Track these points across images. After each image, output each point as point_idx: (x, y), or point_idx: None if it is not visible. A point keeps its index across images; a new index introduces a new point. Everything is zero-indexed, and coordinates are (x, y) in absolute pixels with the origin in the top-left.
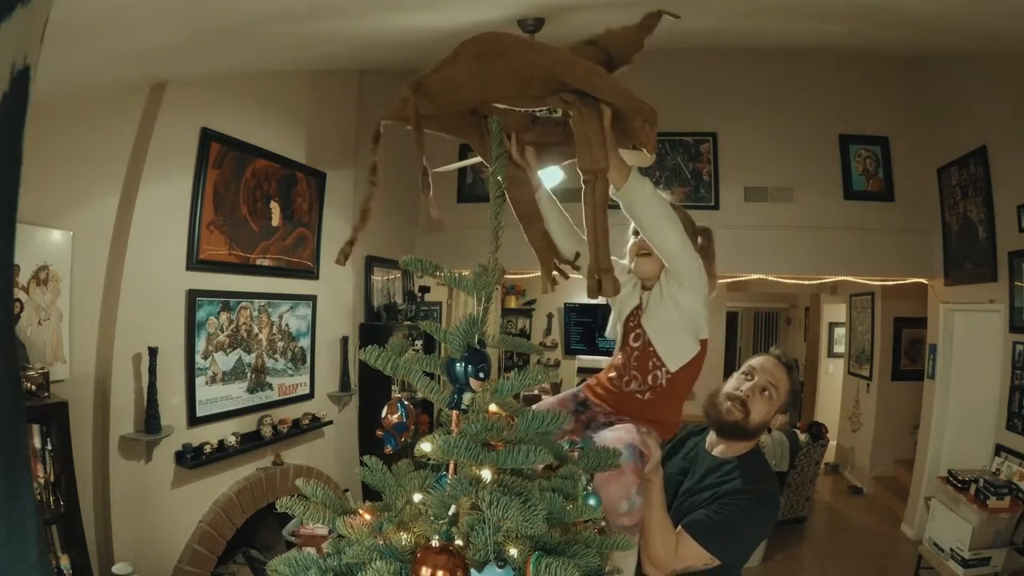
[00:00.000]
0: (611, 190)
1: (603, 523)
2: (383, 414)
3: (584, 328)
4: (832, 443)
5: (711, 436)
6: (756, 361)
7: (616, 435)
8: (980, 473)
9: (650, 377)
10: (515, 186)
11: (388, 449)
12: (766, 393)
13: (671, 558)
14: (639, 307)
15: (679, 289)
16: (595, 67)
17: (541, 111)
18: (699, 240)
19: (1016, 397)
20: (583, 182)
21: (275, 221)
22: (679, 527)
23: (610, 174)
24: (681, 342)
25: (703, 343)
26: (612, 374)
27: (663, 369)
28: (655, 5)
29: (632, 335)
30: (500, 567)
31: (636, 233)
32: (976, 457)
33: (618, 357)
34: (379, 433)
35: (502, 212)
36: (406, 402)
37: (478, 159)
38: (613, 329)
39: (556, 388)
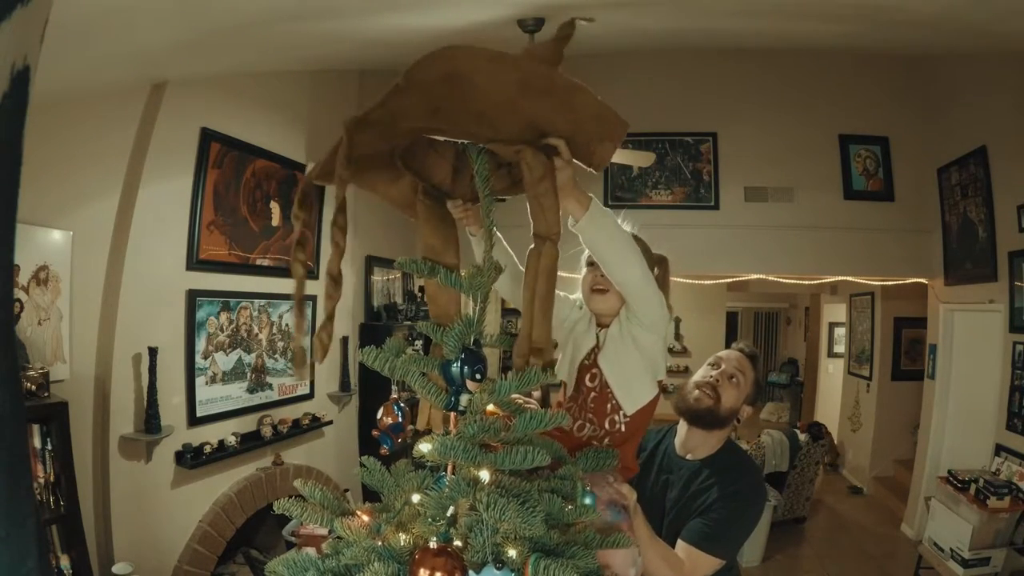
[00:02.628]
0: (569, 221)
1: None
2: (379, 415)
3: None
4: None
5: (680, 437)
6: (723, 353)
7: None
8: (980, 473)
9: (607, 422)
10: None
11: (384, 450)
12: (734, 380)
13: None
14: (596, 346)
15: (640, 328)
16: (575, 83)
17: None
18: (655, 270)
19: (1016, 397)
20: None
21: (275, 221)
22: (682, 542)
23: (568, 204)
24: (641, 384)
25: (659, 383)
26: None
27: (621, 412)
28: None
29: (588, 375)
30: (498, 568)
31: (590, 263)
32: (976, 457)
33: (562, 400)
34: (375, 434)
35: (494, 211)
36: (402, 404)
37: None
38: (563, 369)
39: (546, 393)
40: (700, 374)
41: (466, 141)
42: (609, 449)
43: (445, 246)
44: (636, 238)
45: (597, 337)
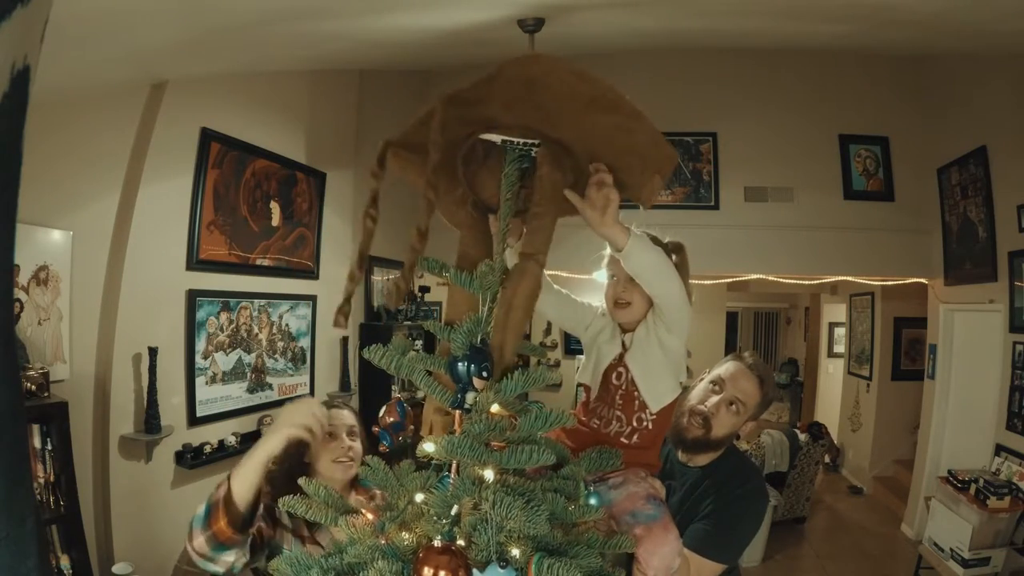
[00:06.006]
0: (610, 250)
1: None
2: (381, 413)
3: None
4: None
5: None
6: (725, 371)
7: (628, 493)
8: (980, 473)
9: (635, 419)
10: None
11: (383, 446)
12: (733, 407)
13: None
14: (623, 348)
15: (666, 332)
16: (640, 111)
17: (522, 142)
18: (674, 257)
19: (1016, 397)
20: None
21: (275, 221)
22: (684, 548)
23: (610, 233)
24: (665, 383)
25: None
26: (584, 417)
27: (647, 411)
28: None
29: (614, 374)
30: (502, 567)
31: (612, 275)
32: (976, 457)
33: (590, 398)
34: (375, 430)
35: (510, 214)
36: (405, 404)
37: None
38: (587, 373)
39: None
40: (698, 395)
41: (511, 138)
42: (614, 449)
43: (481, 259)
44: (652, 237)
45: (622, 343)
